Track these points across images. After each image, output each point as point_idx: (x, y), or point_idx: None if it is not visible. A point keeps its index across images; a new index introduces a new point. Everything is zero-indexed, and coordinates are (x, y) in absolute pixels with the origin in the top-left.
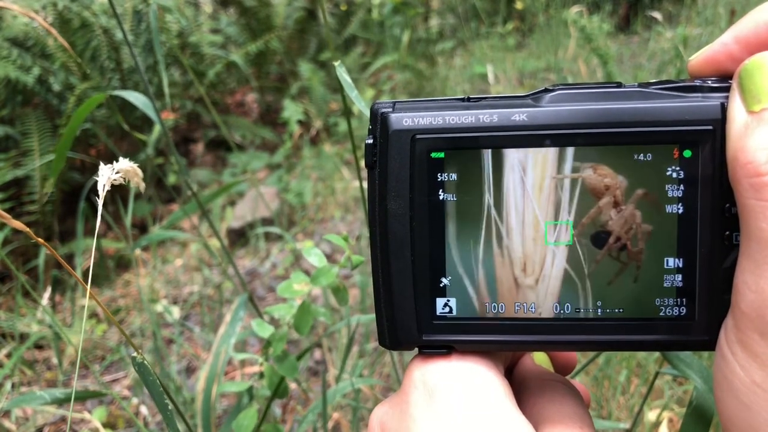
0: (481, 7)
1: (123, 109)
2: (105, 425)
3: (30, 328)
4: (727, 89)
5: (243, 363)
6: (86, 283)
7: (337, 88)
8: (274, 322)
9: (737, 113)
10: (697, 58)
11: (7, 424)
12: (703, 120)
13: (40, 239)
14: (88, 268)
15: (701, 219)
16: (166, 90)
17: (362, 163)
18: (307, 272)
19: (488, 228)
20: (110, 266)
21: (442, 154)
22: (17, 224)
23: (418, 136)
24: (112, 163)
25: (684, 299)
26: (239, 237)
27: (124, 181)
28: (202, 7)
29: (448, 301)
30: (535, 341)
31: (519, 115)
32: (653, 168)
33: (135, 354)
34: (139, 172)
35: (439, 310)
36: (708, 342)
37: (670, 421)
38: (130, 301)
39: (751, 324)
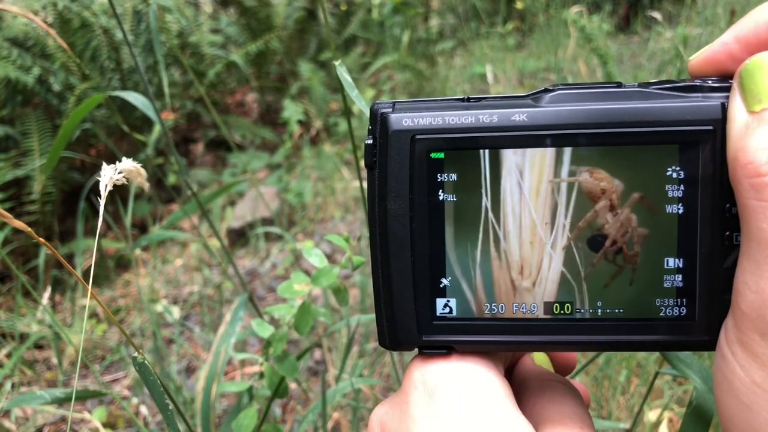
0: (481, 7)
1: (123, 109)
2: (105, 425)
3: (30, 328)
4: (728, 89)
5: (243, 363)
6: (87, 282)
7: (337, 88)
8: (274, 322)
9: (738, 113)
10: (697, 58)
11: (7, 424)
12: (704, 120)
13: (41, 239)
14: (89, 268)
15: (701, 219)
16: (166, 90)
17: (362, 163)
18: (307, 272)
19: (486, 231)
20: (110, 266)
21: (441, 155)
22: (18, 224)
23: (418, 137)
24: (112, 163)
25: (684, 299)
26: (239, 237)
27: (127, 181)
28: (202, 7)
29: (449, 301)
30: (536, 342)
31: (519, 116)
32: (653, 168)
33: (135, 354)
34: (143, 172)
35: (439, 310)
36: (708, 342)
37: (670, 421)
38: (130, 301)
39: (752, 324)
